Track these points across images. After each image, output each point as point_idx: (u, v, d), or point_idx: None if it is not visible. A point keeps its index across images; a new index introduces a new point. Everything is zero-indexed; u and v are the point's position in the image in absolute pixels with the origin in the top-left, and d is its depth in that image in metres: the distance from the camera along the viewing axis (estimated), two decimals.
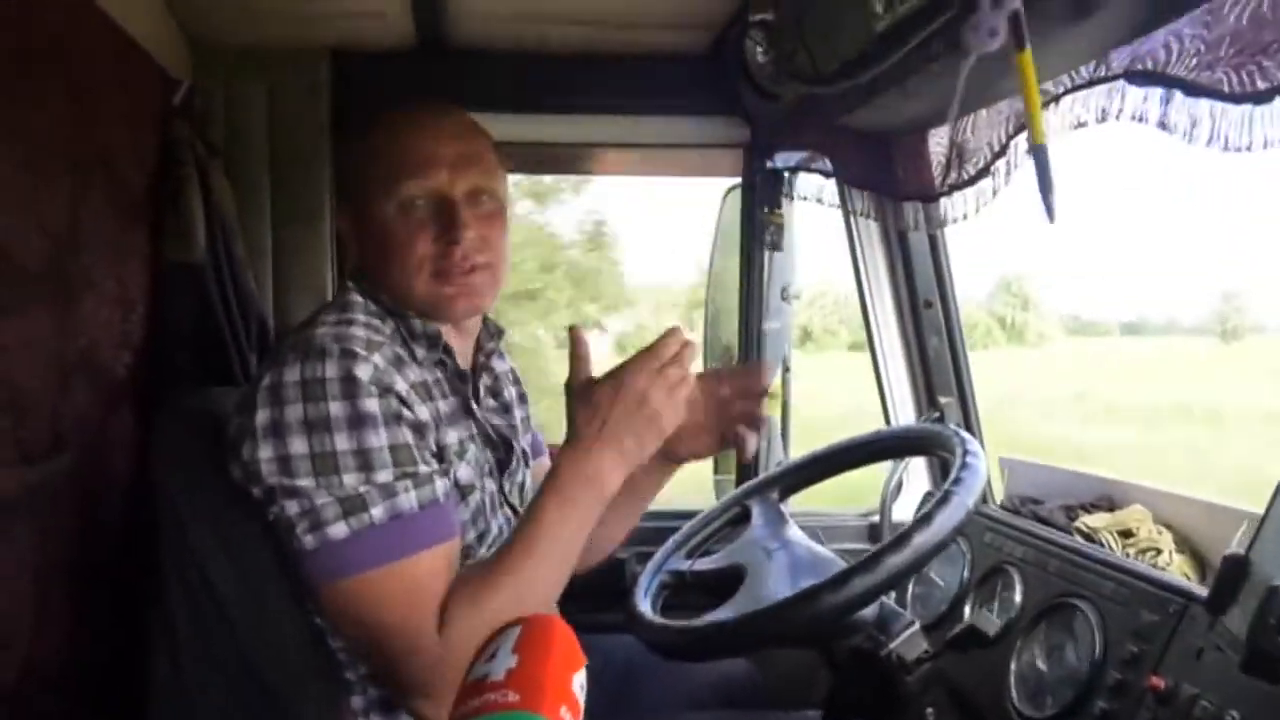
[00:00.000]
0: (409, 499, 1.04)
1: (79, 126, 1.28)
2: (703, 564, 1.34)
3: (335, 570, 1.02)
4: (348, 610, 1.03)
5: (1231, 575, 0.99)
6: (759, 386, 1.34)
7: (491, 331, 1.31)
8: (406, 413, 1.07)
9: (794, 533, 1.31)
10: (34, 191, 1.16)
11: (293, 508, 1.02)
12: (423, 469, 1.07)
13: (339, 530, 1.01)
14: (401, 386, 1.08)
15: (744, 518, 1.40)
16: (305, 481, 1.01)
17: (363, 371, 1.04)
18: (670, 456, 1.35)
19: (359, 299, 1.16)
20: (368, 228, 1.17)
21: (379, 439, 1.03)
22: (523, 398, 1.44)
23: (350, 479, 1.01)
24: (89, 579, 1.27)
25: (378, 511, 1.02)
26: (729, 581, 1.22)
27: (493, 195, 1.19)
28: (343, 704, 1.13)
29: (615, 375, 1.08)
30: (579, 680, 0.54)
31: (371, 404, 1.04)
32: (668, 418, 1.07)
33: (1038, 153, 1.03)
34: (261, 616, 1.12)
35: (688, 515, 1.46)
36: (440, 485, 1.08)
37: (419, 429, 1.09)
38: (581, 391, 1.09)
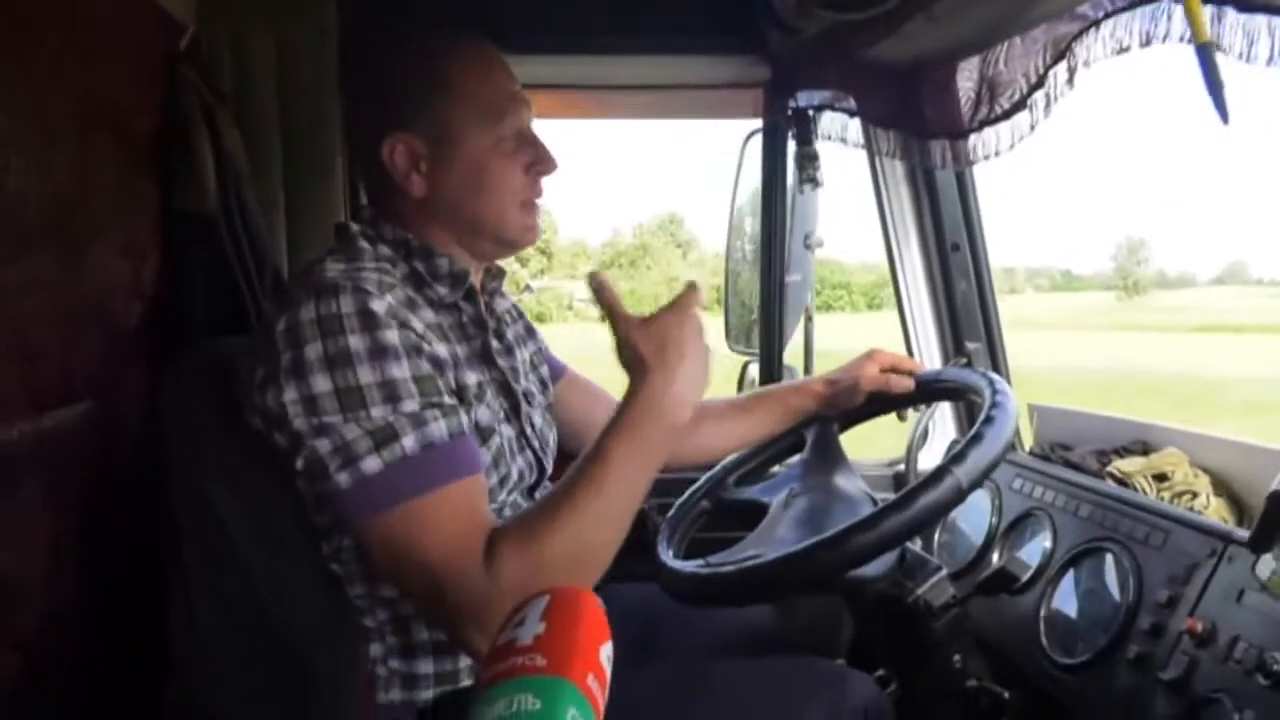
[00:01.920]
0: (439, 428, 1.02)
1: (82, 74, 1.25)
2: (742, 493, 1.40)
3: (373, 504, 1.00)
4: (388, 545, 1.01)
5: (1275, 513, 0.95)
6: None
7: (494, 273, 1.30)
8: (426, 346, 1.06)
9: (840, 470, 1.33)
10: (38, 141, 1.14)
11: (324, 446, 1.00)
12: (448, 400, 1.05)
13: (372, 464, 0.99)
14: (417, 325, 1.06)
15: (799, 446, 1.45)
16: (333, 418, 1.00)
17: (378, 305, 1.02)
18: (805, 414, 1.49)
19: (365, 245, 1.14)
20: (452, 161, 1.16)
21: (402, 370, 1.02)
22: (530, 330, 1.42)
23: (378, 411, 1.00)
24: (104, 528, 1.26)
25: (409, 441, 1.00)
26: (758, 515, 1.26)
27: None
28: (360, 651, 1.12)
29: (672, 306, 1.07)
30: (605, 652, 0.53)
31: (391, 335, 1.02)
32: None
33: (1202, 52, 0.97)
34: (278, 565, 1.11)
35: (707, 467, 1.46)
36: (464, 418, 1.06)
37: (438, 364, 1.07)
38: (639, 324, 1.06)
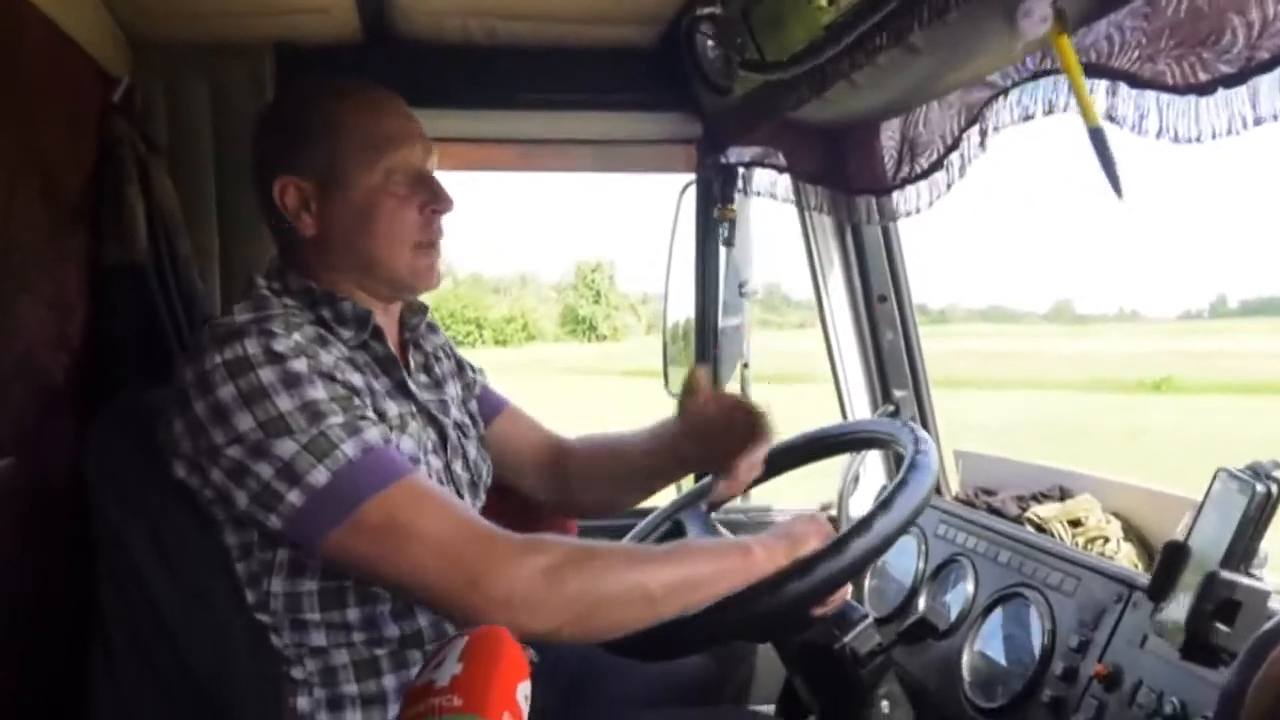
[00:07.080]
0: (373, 433, 1.03)
1: (12, 126, 1.25)
2: None
3: (335, 514, 0.99)
4: (369, 543, 1.00)
5: (1171, 562, 1.00)
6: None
7: (415, 308, 1.30)
8: (339, 375, 1.07)
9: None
10: None
11: (266, 471, 1.00)
12: (370, 413, 1.07)
13: (320, 476, 0.99)
14: (327, 359, 1.07)
15: (678, 532, 1.39)
16: (266, 445, 1.00)
17: (282, 345, 1.04)
18: (685, 460, 1.40)
19: (270, 296, 1.15)
20: (341, 200, 1.16)
21: (318, 391, 1.03)
22: (461, 366, 1.42)
23: (309, 430, 1.00)
24: (26, 584, 1.24)
25: (348, 447, 1.01)
26: None
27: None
28: (287, 704, 1.11)
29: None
30: (523, 690, 0.55)
31: (300, 364, 1.03)
32: None
33: (1095, 135, 1.02)
34: (200, 619, 1.10)
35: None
36: (390, 434, 1.09)
37: (353, 390, 1.08)
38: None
